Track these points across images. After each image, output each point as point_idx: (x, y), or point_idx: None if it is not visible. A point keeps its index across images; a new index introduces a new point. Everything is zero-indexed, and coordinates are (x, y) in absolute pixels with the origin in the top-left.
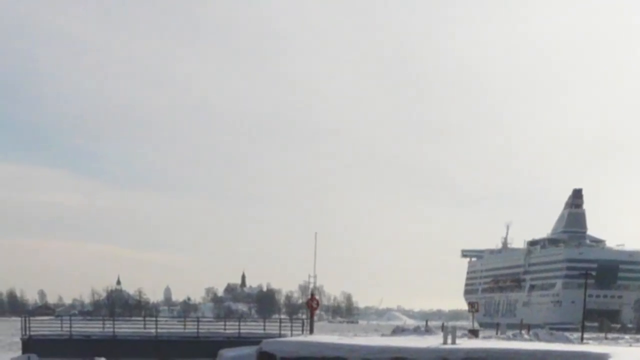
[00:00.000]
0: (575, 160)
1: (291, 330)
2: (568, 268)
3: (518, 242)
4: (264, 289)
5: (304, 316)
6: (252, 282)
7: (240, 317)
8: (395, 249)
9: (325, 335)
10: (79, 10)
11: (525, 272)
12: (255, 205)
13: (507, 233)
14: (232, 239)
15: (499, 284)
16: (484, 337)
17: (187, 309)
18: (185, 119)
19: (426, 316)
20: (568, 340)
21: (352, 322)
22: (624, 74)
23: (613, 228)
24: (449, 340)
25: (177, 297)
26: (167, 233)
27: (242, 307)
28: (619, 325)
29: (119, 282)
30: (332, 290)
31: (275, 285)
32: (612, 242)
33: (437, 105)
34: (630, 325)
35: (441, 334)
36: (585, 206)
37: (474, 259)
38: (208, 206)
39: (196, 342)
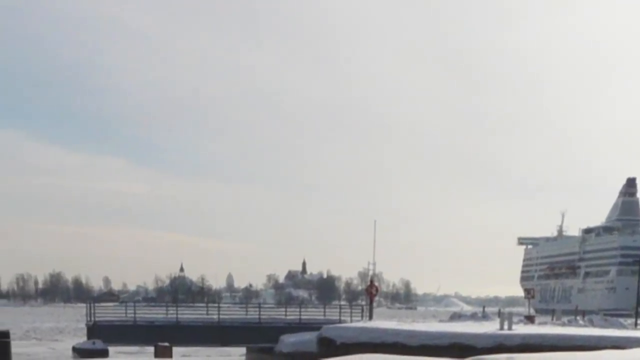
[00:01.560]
0: (629, 150)
1: (351, 317)
2: (622, 255)
3: (573, 230)
4: (324, 275)
5: (364, 302)
6: (312, 269)
7: (301, 304)
8: (453, 237)
9: (384, 321)
10: (141, 3)
11: (580, 260)
12: (315, 193)
13: (562, 221)
14: (293, 227)
15: (555, 271)
16: (540, 323)
17: (248, 295)
18: (246, 110)
19: (483, 302)
20: (622, 326)
21: (410, 309)
22: None
23: None
24: (506, 326)
25: (239, 283)
26: (229, 221)
27: (302, 293)
28: None
29: (182, 269)
30: (391, 277)
31: (335, 272)
32: None
33: (494, 97)
34: None
35: (498, 320)
36: (639, 194)
37: (529, 247)
38: (269, 195)
39: (258, 327)
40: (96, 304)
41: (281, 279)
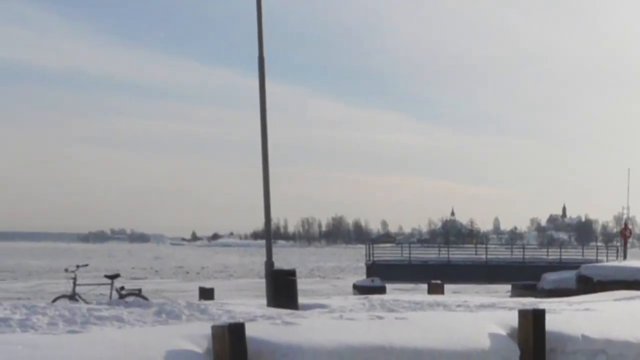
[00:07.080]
0: None
1: (607, 256)
2: None
3: None
4: (582, 219)
5: (618, 244)
6: (571, 213)
7: (561, 245)
8: None
9: (638, 261)
10: None
11: None
12: (575, 144)
13: None
14: (555, 175)
15: None
16: None
17: (513, 237)
18: (513, 68)
19: None
20: None
21: None
22: None
23: None
24: None
25: (505, 226)
26: (496, 170)
27: (562, 235)
28: None
29: (453, 213)
30: None
31: (592, 216)
32: None
33: None
34: None
35: None
36: None
37: None
38: (533, 145)
39: (521, 267)
40: (374, 245)
41: (543, 222)
